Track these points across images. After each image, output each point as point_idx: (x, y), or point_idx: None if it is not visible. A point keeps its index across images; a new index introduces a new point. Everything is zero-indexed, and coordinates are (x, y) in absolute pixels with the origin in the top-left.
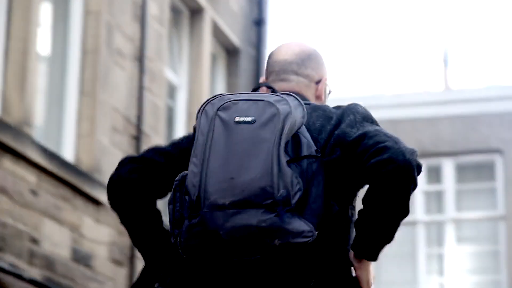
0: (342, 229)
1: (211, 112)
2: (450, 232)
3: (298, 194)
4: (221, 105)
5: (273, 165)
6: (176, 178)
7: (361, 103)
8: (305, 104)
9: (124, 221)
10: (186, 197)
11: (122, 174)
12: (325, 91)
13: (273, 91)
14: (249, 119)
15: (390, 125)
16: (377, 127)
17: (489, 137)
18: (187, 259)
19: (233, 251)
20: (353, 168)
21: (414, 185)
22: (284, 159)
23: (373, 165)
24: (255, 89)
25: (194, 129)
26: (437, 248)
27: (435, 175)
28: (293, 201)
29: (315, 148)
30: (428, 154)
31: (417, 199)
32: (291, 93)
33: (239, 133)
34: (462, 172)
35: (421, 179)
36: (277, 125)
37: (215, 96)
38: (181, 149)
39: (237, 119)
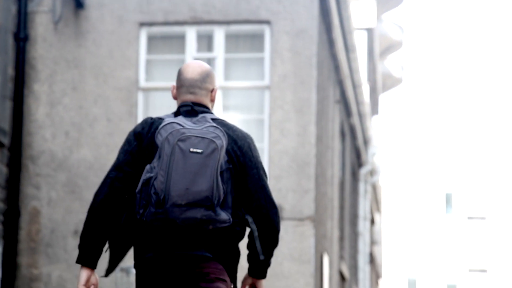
0: (239, 209)
1: (172, 141)
2: (218, 100)
3: (223, 195)
4: (179, 138)
5: (214, 183)
6: (143, 178)
7: None
8: (216, 119)
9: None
10: (154, 196)
11: (100, 199)
12: (215, 95)
13: (193, 108)
14: (199, 150)
15: None
16: (264, 175)
17: (259, 8)
18: (145, 232)
19: (181, 230)
20: (237, 177)
21: (278, 234)
22: (219, 178)
23: (262, 222)
24: (181, 106)
25: (138, 136)
26: None
27: (206, 43)
28: (221, 200)
29: (226, 159)
30: (200, 22)
31: None
32: (218, 126)
33: (192, 159)
34: (232, 41)
35: (191, 46)
36: (216, 156)
37: (168, 124)
38: (132, 152)
39: (191, 149)
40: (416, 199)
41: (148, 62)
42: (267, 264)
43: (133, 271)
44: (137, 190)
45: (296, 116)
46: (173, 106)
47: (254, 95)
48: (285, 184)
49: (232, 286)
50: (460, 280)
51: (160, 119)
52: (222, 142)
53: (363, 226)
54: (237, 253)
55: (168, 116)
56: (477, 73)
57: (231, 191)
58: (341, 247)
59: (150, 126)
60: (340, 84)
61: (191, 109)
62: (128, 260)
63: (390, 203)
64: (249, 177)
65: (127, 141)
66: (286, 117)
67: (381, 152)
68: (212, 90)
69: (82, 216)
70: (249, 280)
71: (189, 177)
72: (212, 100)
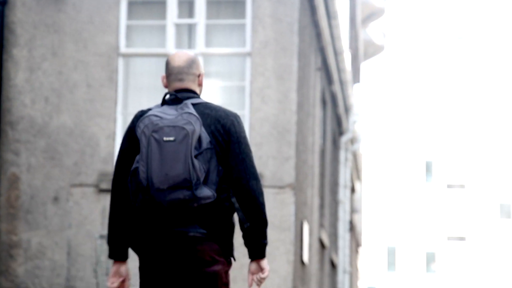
0: (226, 184)
1: (148, 133)
2: None
3: (203, 174)
4: (154, 129)
5: (189, 166)
6: (131, 169)
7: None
8: (199, 103)
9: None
10: (140, 185)
11: (112, 192)
12: (202, 80)
13: (177, 96)
14: (171, 138)
15: None
16: (247, 149)
17: None
18: (140, 215)
19: (169, 211)
20: (223, 153)
21: (263, 207)
22: (194, 160)
23: (241, 192)
24: (165, 95)
25: (128, 132)
26: None
27: (187, 8)
28: (201, 180)
29: (209, 139)
30: None
31: (169, 33)
32: (192, 112)
33: (167, 147)
34: (214, 7)
35: (172, 12)
36: (188, 141)
37: (146, 117)
38: (125, 149)
39: (165, 138)
40: (397, 168)
41: (129, 28)
42: (261, 243)
43: None
44: (128, 180)
45: (277, 83)
46: (154, 71)
47: (235, 61)
48: (266, 151)
49: (228, 263)
50: (439, 248)
51: (149, 110)
52: (193, 127)
53: (343, 194)
54: (231, 226)
55: (156, 106)
56: (459, 40)
57: (216, 168)
58: (321, 215)
59: (139, 119)
60: (322, 51)
61: (175, 97)
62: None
63: (371, 171)
64: (230, 152)
65: (122, 140)
66: (267, 84)
67: (362, 120)
68: (199, 75)
69: (62, 182)
70: (254, 266)
71: (166, 164)
72: (200, 85)
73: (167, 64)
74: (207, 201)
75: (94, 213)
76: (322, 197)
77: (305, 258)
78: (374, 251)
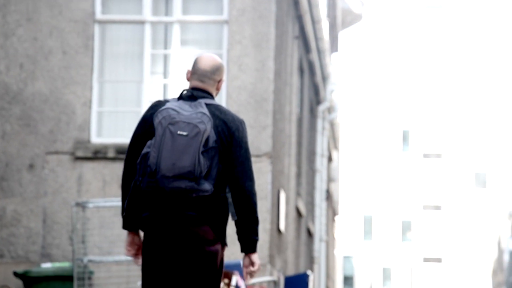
0: (223, 179)
1: (164, 124)
2: (176, 34)
3: (206, 169)
4: (170, 122)
5: (196, 160)
6: (142, 152)
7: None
8: (211, 104)
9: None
10: (148, 168)
11: (124, 171)
12: (221, 85)
13: (193, 94)
14: (185, 133)
15: None
16: (247, 156)
17: None
18: (143, 195)
19: (170, 196)
20: (225, 153)
21: (255, 206)
22: (201, 156)
23: (237, 191)
24: (183, 91)
25: (144, 120)
26: (163, 49)
27: None
28: (203, 174)
29: (215, 139)
30: None
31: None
32: (206, 113)
33: (179, 140)
34: None
35: None
36: (199, 138)
37: (164, 109)
38: (139, 135)
39: (178, 132)
40: (373, 137)
41: None
42: (252, 239)
43: (90, 205)
44: (137, 161)
45: (255, 51)
46: (130, 38)
47: (212, 29)
48: (243, 120)
49: (222, 245)
50: (415, 216)
51: (166, 101)
52: (205, 126)
53: (320, 163)
54: (225, 216)
55: (173, 99)
56: (437, 9)
57: (217, 165)
58: (298, 184)
59: (155, 109)
60: (299, 19)
61: (191, 94)
62: (84, 195)
63: (348, 140)
64: (231, 154)
65: (137, 125)
66: (244, 52)
67: (339, 89)
68: (219, 81)
69: (37, 150)
70: (246, 259)
71: (175, 155)
72: (218, 89)
73: (195, 64)
74: (204, 194)
75: (70, 180)
76: (299, 166)
77: (282, 226)
78: (350, 220)
